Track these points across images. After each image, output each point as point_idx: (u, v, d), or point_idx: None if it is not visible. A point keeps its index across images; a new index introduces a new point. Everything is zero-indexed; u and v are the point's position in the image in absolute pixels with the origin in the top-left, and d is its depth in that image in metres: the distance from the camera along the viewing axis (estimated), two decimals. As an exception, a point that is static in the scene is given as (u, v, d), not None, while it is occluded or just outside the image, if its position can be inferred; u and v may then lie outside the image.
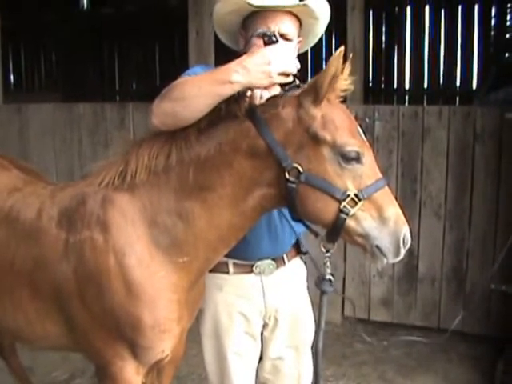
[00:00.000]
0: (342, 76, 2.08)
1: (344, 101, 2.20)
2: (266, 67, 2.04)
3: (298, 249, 2.78)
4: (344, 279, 5.44)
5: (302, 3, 2.42)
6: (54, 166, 6.32)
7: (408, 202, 5.09)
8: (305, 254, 2.78)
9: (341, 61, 2.02)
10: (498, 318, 4.91)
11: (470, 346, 4.91)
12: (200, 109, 2.10)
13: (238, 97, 2.13)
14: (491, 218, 4.94)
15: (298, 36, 2.54)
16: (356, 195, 2.05)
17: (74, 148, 6.29)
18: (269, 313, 2.72)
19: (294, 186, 2.08)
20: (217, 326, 2.71)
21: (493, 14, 8.75)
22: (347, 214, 2.05)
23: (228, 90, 2.05)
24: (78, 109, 6.30)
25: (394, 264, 4.55)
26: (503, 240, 4.79)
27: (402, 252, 2.09)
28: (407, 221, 2.12)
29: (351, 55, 2.07)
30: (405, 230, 2.08)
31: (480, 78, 8.80)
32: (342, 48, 2.01)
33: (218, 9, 2.54)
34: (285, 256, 2.72)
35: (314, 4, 2.43)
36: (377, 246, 2.08)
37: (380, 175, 2.12)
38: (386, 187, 2.12)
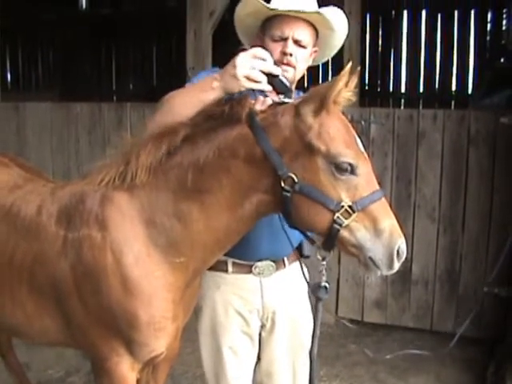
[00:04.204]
0: (346, 89, 2.11)
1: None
2: (232, 71, 2.18)
3: (300, 252, 2.78)
4: (338, 281, 5.47)
5: (316, 11, 2.44)
6: (50, 165, 6.32)
7: (402, 205, 5.14)
8: (307, 257, 2.78)
9: (348, 76, 2.05)
10: (490, 321, 4.94)
11: (462, 348, 4.92)
12: (187, 115, 2.25)
13: (242, 101, 2.17)
14: (485, 221, 4.97)
15: (314, 46, 2.58)
16: (350, 206, 2.04)
17: (71, 147, 6.30)
18: (266, 314, 2.74)
19: (288, 194, 2.09)
20: (214, 323, 2.73)
21: (489, 19, 8.80)
22: (340, 225, 2.05)
23: (210, 96, 2.22)
24: (76, 108, 6.30)
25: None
26: (496, 243, 4.83)
27: (396, 265, 2.07)
28: (403, 233, 2.09)
29: (350, 64, 2.08)
30: (399, 243, 2.06)
31: (475, 83, 8.85)
32: (351, 63, 2.06)
33: (238, 10, 2.58)
34: (285, 258, 2.73)
35: (330, 14, 2.46)
36: (370, 258, 2.07)
37: (377, 187, 2.11)
38: (383, 199, 2.11)
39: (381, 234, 2.05)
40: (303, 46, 2.49)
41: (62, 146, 6.33)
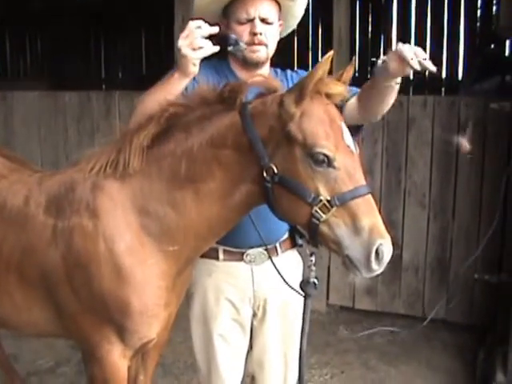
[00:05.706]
0: (332, 79, 2.10)
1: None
2: (179, 54, 2.25)
3: (293, 241, 2.77)
4: (329, 268, 5.47)
5: None
6: (39, 155, 6.29)
7: (392, 192, 5.15)
8: (300, 246, 2.76)
9: (328, 64, 2.02)
10: (480, 307, 4.97)
11: (452, 335, 4.97)
12: None
13: (238, 86, 2.17)
14: (475, 208, 4.99)
15: (279, 19, 2.62)
16: (328, 201, 1.99)
17: (59, 136, 6.26)
18: (257, 302, 2.74)
19: (269, 185, 2.08)
20: (205, 310, 2.73)
21: (479, 5, 8.78)
22: (319, 220, 2.01)
23: (178, 86, 2.29)
24: (64, 97, 6.27)
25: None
26: (486, 229, 4.81)
27: (374, 266, 1.99)
28: (389, 233, 2.01)
29: (330, 52, 2.05)
30: (378, 243, 1.97)
31: (466, 69, 8.84)
32: (332, 52, 2.03)
33: (197, 0, 2.59)
34: (278, 246, 2.71)
35: None
36: (347, 256, 2.02)
37: (361, 182, 2.04)
38: (368, 196, 2.03)
39: (360, 232, 1.98)
40: (270, 23, 2.54)
41: (50, 135, 6.30)
